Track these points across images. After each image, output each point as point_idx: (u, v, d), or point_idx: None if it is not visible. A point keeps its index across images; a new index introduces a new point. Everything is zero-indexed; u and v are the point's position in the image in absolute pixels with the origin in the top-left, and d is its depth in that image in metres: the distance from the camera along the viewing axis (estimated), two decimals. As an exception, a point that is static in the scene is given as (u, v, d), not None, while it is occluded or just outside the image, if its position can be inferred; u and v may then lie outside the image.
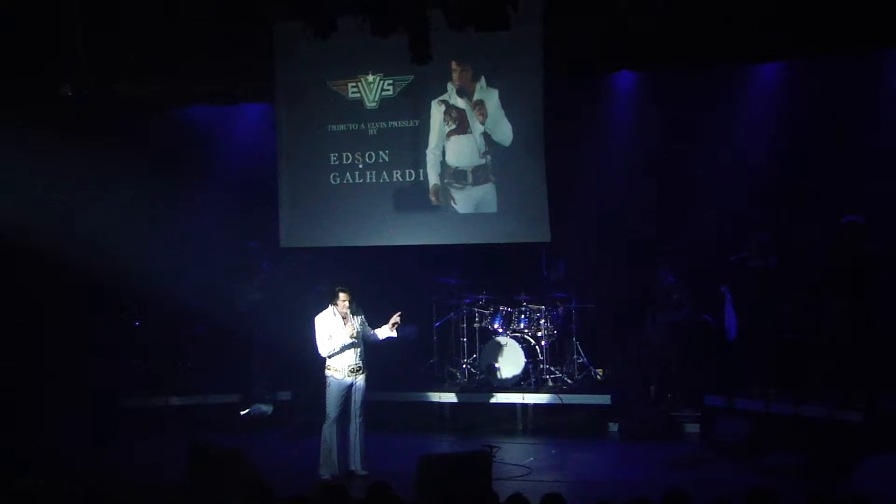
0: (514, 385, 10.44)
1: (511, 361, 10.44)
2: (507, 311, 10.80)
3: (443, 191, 10.25)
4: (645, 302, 10.27)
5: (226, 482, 7.04)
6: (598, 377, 10.73)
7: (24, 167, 10.33)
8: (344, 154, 10.47)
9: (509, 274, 11.19)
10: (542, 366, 10.58)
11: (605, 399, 10.15)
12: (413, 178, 10.31)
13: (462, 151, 10.17)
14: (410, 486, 6.89)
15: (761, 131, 10.36)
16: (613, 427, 9.99)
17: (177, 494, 6.74)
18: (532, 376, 10.51)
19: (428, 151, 10.25)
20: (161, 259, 10.86)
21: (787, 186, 10.12)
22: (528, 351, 10.51)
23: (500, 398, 10.39)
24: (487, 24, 8.22)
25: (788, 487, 6.85)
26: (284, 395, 10.93)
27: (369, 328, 8.46)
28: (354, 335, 8.25)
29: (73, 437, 9.67)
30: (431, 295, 11.06)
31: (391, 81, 10.23)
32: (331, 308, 8.29)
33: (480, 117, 10.06)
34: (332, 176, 10.50)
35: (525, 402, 10.37)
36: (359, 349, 8.32)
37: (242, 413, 10.68)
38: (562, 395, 10.25)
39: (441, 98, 10.16)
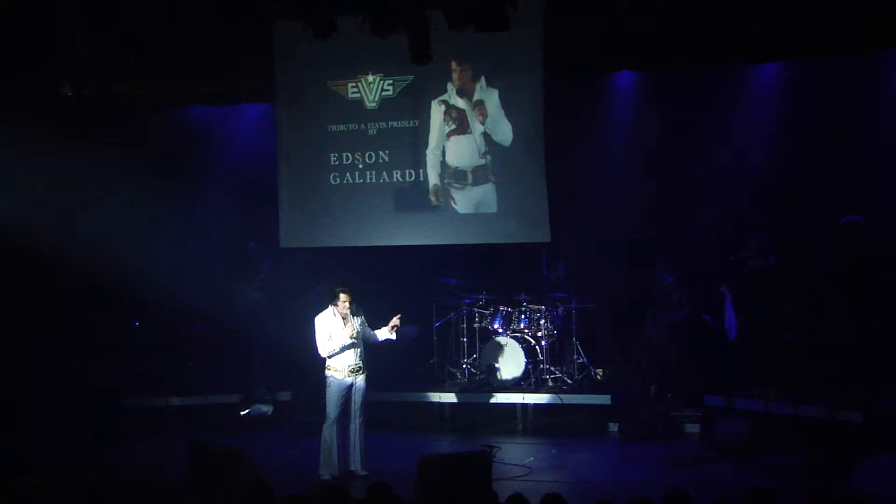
0: (514, 385, 10.44)
1: (511, 361, 10.44)
2: (507, 311, 10.80)
3: (443, 191, 10.25)
4: (645, 302, 10.27)
5: (226, 482, 7.04)
6: (598, 377, 10.73)
7: (24, 167, 10.33)
8: (344, 154, 10.47)
9: (509, 274, 11.19)
10: (542, 366, 10.58)
11: (605, 399, 10.14)
12: (413, 178, 10.31)
13: (462, 151, 10.17)
14: (410, 487, 6.89)
15: (761, 131, 10.36)
16: (613, 427, 9.99)
17: (177, 494, 6.74)
18: (532, 376, 10.50)
19: (428, 151, 10.25)
20: (161, 259, 10.85)
21: (787, 186, 10.12)
22: (528, 351, 10.51)
23: (500, 398, 10.39)
24: (487, 24, 8.21)
25: (788, 487, 6.85)
26: (284, 396, 10.92)
27: (369, 329, 8.46)
28: (354, 336, 8.25)
29: (73, 437, 9.66)
30: (431, 295, 11.06)
31: (391, 81, 10.24)
32: (331, 308, 8.29)
33: (480, 117, 10.06)
34: (332, 176, 10.50)
35: (525, 402, 10.37)
36: (359, 349, 8.32)
37: (242, 413, 10.68)
38: (562, 395, 10.25)
39: (441, 98, 10.16)
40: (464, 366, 10.90)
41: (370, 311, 8.61)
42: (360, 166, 10.43)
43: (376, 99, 10.31)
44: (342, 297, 8.23)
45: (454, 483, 6.97)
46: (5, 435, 9.41)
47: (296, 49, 10.09)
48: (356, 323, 8.30)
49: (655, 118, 10.79)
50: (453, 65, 10.00)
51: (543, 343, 10.60)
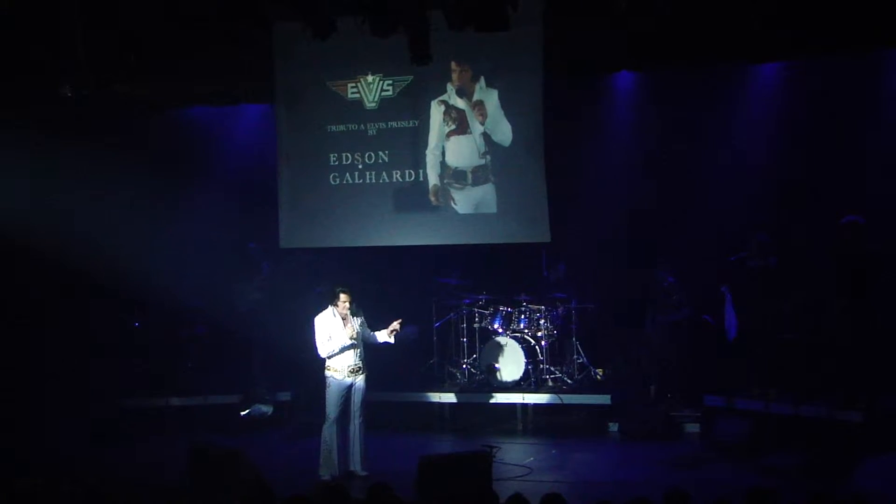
0: (514, 385, 10.44)
1: (511, 362, 10.44)
2: (507, 311, 10.79)
3: (442, 191, 10.25)
4: (645, 302, 10.27)
5: (226, 482, 7.04)
6: (598, 377, 10.73)
7: (24, 167, 10.33)
8: (344, 154, 10.47)
9: (509, 274, 11.19)
10: (542, 366, 10.58)
11: (605, 399, 10.14)
12: (413, 178, 10.31)
13: (462, 152, 10.17)
14: (410, 487, 6.88)
15: (761, 131, 10.36)
16: (613, 427, 10.00)
17: (177, 494, 6.74)
18: (532, 376, 10.50)
19: (427, 152, 10.25)
20: (161, 259, 10.86)
21: (787, 186, 10.11)
22: (528, 351, 10.50)
23: (500, 398, 10.39)
24: (487, 24, 8.21)
25: (788, 487, 6.85)
26: (284, 396, 10.92)
27: (368, 330, 8.46)
28: (354, 336, 8.25)
29: (73, 437, 9.65)
30: (431, 295, 11.06)
31: (391, 82, 10.24)
32: (331, 309, 8.28)
33: (480, 117, 10.06)
34: (331, 176, 10.51)
35: (525, 402, 10.37)
36: (358, 350, 8.32)
37: (242, 413, 10.68)
38: (562, 395, 10.25)
39: (441, 98, 10.16)
40: (464, 366, 10.90)
41: (370, 311, 8.61)
42: (360, 166, 10.43)
43: (376, 99, 10.31)
44: (342, 297, 8.22)
45: (454, 483, 6.96)
46: (5, 435, 9.39)
47: (295, 49, 10.08)
48: (356, 323, 8.30)
49: (655, 118, 10.79)
50: (453, 65, 10.00)
51: (543, 343, 10.60)
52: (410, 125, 10.30)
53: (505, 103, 9.96)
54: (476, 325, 10.87)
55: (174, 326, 11.34)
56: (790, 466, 8.19)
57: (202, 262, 11.27)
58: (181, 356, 11.22)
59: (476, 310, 10.88)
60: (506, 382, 10.44)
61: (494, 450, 7.78)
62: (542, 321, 10.63)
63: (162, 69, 9.87)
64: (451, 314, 11.03)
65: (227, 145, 11.83)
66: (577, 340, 10.72)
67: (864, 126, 9.78)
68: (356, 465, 8.35)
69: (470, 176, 10.17)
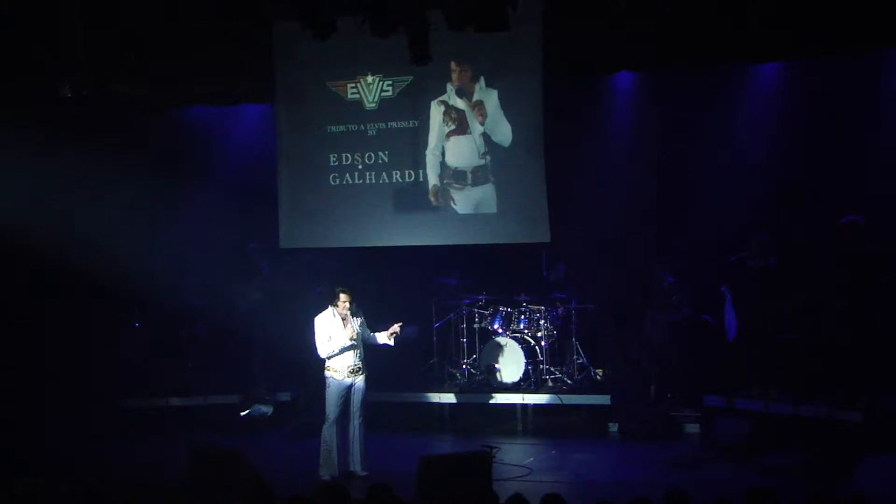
0: (514, 385, 10.43)
1: (511, 362, 10.44)
2: (506, 311, 10.80)
3: (442, 191, 10.24)
4: (645, 302, 10.27)
5: (226, 482, 7.05)
6: (598, 377, 10.73)
7: (24, 167, 10.33)
8: (343, 155, 10.47)
9: (509, 274, 11.19)
10: (541, 366, 10.58)
11: (605, 399, 10.15)
12: (413, 178, 10.30)
13: (461, 152, 10.16)
14: (410, 487, 6.89)
15: (761, 131, 10.36)
16: (613, 427, 10.00)
17: (177, 494, 6.75)
18: (532, 377, 10.50)
19: (427, 152, 10.25)
20: (161, 259, 10.86)
21: (787, 186, 10.12)
22: (528, 351, 10.51)
23: (500, 399, 10.39)
24: (487, 24, 8.20)
25: (788, 487, 6.85)
26: (284, 396, 10.93)
27: (368, 330, 8.46)
28: (354, 337, 8.25)
29: (73, 437, 9.66)
30: (431, 295, 11.07)
31: (390, 82, 10.23)
32: (331, 309, 8.28)
33: (480, 118, 10.05)
34: (331, 177, 10.50)
35: (525, 402, 10.37)
36: (358, 350, 8.32)
37: (242, 413, 10.68)
38: (562, 396, 10.26)
39: (440, 98, 10.16)
40: (464, 366, 10.90)
41: (370, 311, 8.62)
42: (360, 167, 10.42)
43: (376, 99, 10.31)
44: (342, 297, 8.22)
45: (454, 483, 6.97)
46: (5, 435, 9.40)
47: (295, 49, 10.07)
48: (356, 324, 8.29)
49: (655, 118, 10.79)
50: (453, 65, 9.99)
51: (543, 343, 10.60)
52: (410, 125, 10.29)
53: (505, 103, 9.95)
54: (476, 326, 10.88)
55: (174, 326, 11.35)
56: (790, 466, 8.19)
57: (202, 262, 11.27)
58: (181, 356, 11.23)
59: (476, 310, 10.88)
60: (506, 383, 10.45)
61: (494, 450, 7.78)
62: (541, 321, 10.63)
63: (162, 69, 9.87)
64: (451, 314, 11.03)
65: (227, 145, 11.83)
66: (576, 341, 10.72)
67: (864, 126, 9.78)
68: (356, 465, 8.35)
69: (470, 176, 10.17)
